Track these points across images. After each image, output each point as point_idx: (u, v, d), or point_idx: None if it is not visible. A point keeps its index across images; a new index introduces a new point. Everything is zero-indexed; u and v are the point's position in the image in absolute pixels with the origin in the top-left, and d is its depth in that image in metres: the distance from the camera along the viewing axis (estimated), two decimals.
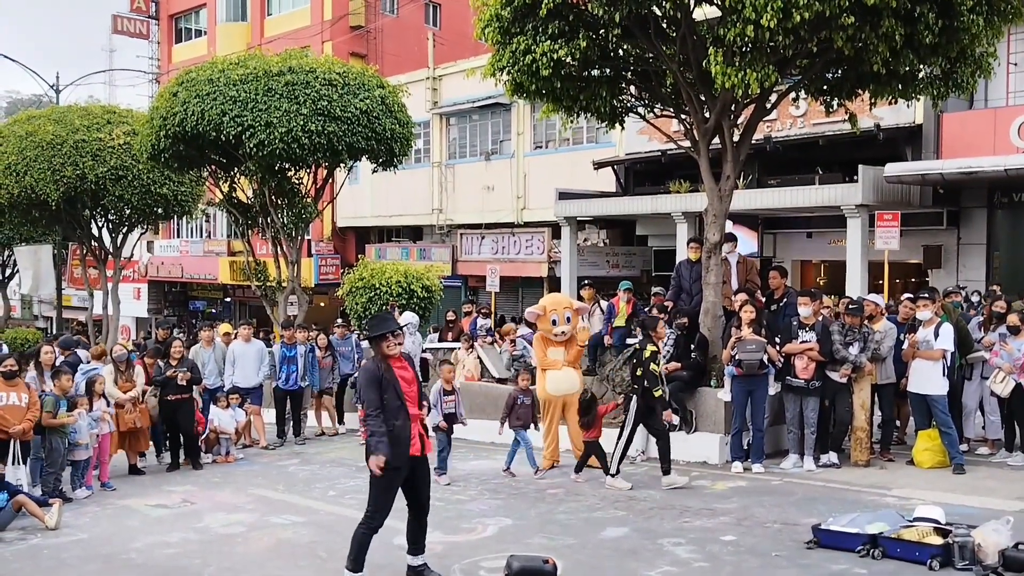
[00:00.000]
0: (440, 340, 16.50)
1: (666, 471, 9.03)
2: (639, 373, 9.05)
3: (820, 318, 9.82)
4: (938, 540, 6.33)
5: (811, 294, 10.24)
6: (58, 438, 9.71)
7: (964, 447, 9.99)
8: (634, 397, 9.11)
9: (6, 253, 31.48)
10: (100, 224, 22.78)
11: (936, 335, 9.42)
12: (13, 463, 9.14)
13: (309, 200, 17.78)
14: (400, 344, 6.26)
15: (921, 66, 10.10)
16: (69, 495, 9.81)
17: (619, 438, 9.17)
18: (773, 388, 10.10)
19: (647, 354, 9.01)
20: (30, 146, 19.72)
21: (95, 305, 23.88)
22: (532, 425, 10.30)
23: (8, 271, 32.94)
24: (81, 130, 20.03)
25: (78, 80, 34.98)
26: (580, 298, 13.08)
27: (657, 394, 8.91)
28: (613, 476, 9.19)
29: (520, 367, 13.11)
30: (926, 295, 9.80)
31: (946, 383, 9.46)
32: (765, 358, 9.67)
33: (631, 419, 9.13)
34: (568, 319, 10.37)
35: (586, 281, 13.92)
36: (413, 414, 6.22)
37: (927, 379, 9.44)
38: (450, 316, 17.14)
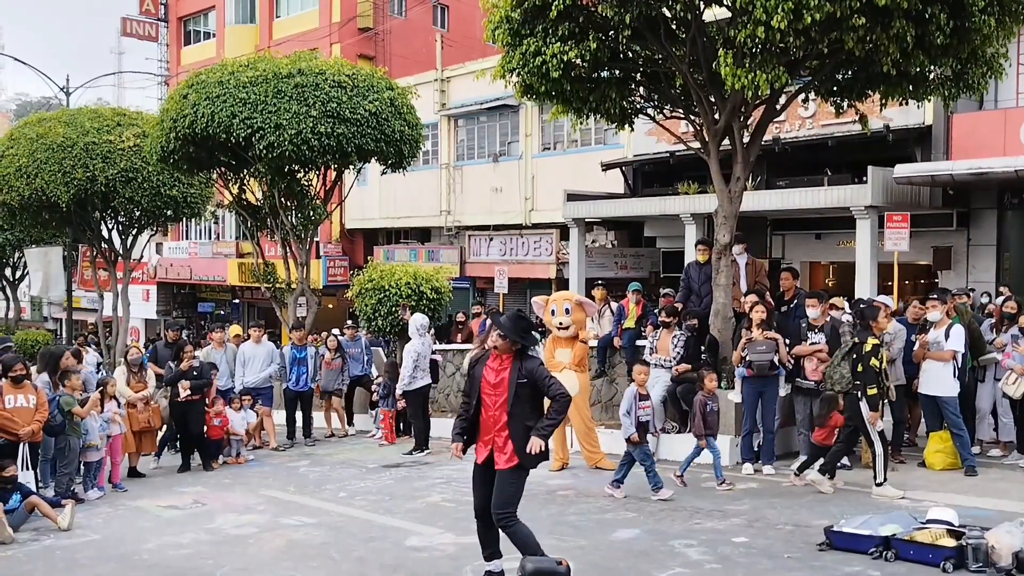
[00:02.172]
0: (450, 342, 16.52)
1: (832, 474, 8.60)
2: (860, 369, 8.43)
3: (828, 319, 9.82)
4: (951, 542, 6.31)
5: (819, 296, 10.23)
6: (75, 438, 9.78)
7: (976, 449, 9.96)
8: (859, 396, 8.44)
9: (16, 255, 31.60)
10: (110, 226, 22.86)
11: (947, 336, 9.39)
12: (23, 467, 9.18)
13: (318, 202, 17.81)
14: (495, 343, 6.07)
15: (932, 67, 10.09)
16: (81, 496, 9.85)
17: (871, 444, 8.53)
18: (783, 390, 10.09)
19: (868, 348, 8.38)
20: (41, 148, 19.81)
21: (105, 307, 23.96)
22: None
23: (18, 273, 33.07)
24: (91, 132, 20.12)
25: (88, 82, 35.07)
26: (592, 298, 13.09)
27: (871, 392, 8.32)
28: (881, 484, 8.43)
29: None
30: (936, 296, 9.78)
31: (957, 385, 9.43)
32: (776, 359, 9.66)
33: (867, 420, 8.40)
34: (568, 311, 10.24)
35: (598, 282, 13.90)
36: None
37: (938, 380, 9.41)
38: (460, 318, 17.16)
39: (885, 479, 8.44)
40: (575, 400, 10.13)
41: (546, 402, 6.05)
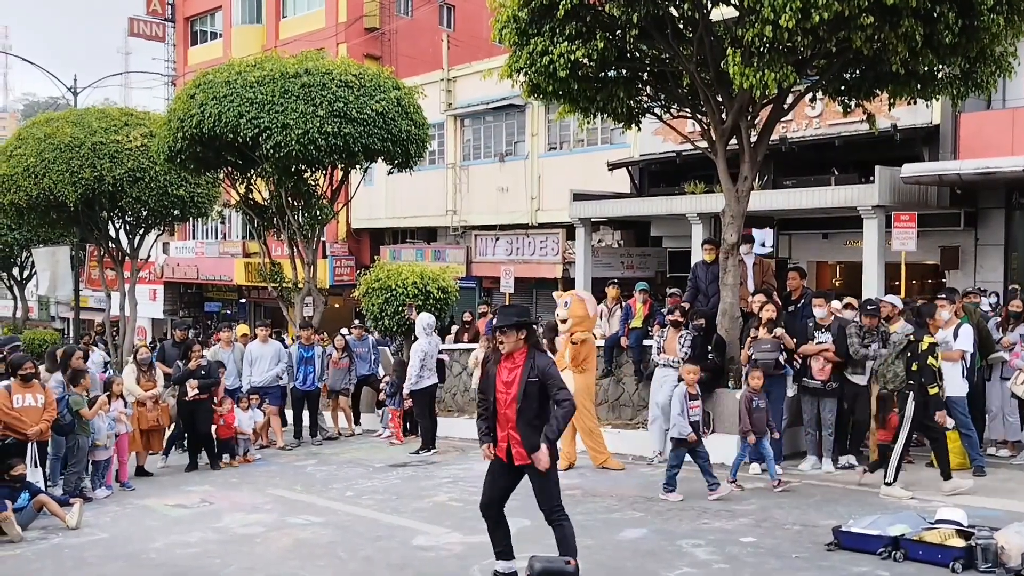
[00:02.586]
0: (456, 341, 16.52)
1: (946, 476, 8.38)
2: (915, 368, 8.28)
3: (834, 318, 9.80)
4: (960, 542, 6.30)
5: (825, 295, 10.21)
6: (83, 437, 9.81)
7: (992, 449, 9.94)
8: (910, 395, 8.31)
9: (24, 254, 31.68)
10: (117, 226, 22.92)
11: (955, 336, 9.37)
12: (32, 465, 9.20)
13: (325, 201, 17.84)
14: (503, 343, 6.03)
15: (940, 66, 10.05)
16: (89, 494, 9.88)
17: (895, 441, 8.45)
18: (791, 389, 10.07)
19: (924, 346, 8.24)
20: (49, 148, 19.85)
21: (112, 306, 24.01)
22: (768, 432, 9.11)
23: (26, 272, 33.15)
24: (99, 132, 20.15)
25: (95, 83, 35.04)
26: (605, 297, 13.11)
27: (932, 391, 8.19)
28: (890, 484, 8.37)
29: None
30: (945, 296, 9.76)
31: (965, 384, 9.40)
32: (781, 358, 9.64)
33: (907, 419, 8.32)
34: (567, 304, 10.32)
35: (613, 281, 13.85)
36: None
37: (946, 380, 9.37)
38: (467, 317, 17.16)
39: (895, 479, 8.39)
40: (577, 400, 10.12)
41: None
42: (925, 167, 15.05)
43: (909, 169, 14.80)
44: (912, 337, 8.51)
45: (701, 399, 9.04)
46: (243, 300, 34.97)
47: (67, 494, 9.36)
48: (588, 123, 12.23)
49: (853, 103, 11.56)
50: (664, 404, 10.59)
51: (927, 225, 15.72)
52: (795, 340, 9.81)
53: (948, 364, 9.36)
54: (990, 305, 13.14)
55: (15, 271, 32.94)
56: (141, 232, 23.08)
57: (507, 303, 5.84)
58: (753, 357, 9.62)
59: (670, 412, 10.68)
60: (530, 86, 10.95)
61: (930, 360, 8.22)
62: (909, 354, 8.46)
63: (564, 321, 10.29)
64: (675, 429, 8.77)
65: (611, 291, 13.07)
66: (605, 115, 11.84)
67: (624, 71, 11.14)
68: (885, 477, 8.45)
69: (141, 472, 11.47)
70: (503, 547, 6.14)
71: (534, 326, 6.17)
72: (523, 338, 5.99)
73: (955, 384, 9.32)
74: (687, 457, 8.78)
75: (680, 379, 9.21)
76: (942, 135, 16.26)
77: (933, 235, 16.52)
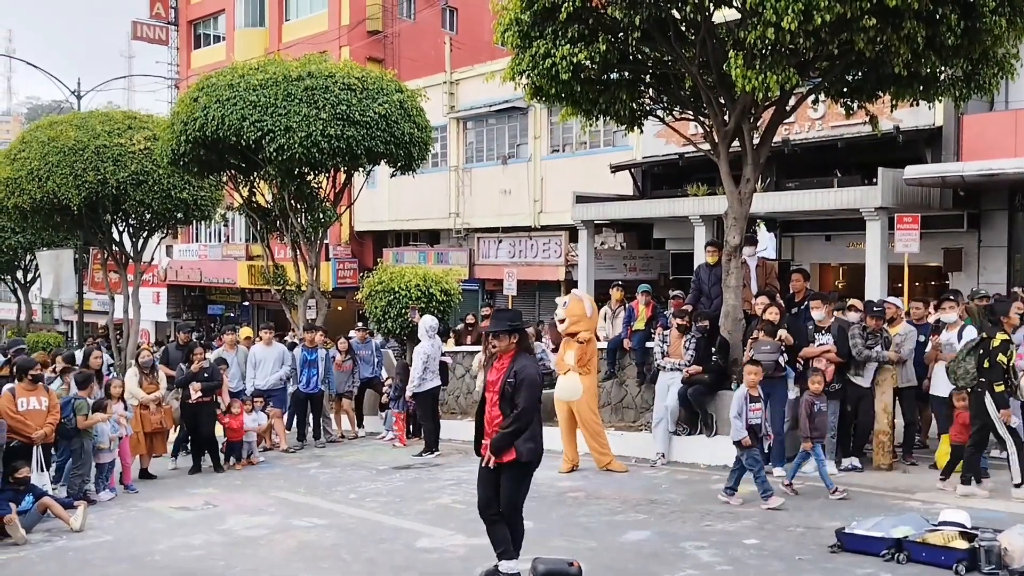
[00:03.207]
0: (458, 344, 16.53)
1: (1017, 483, 8.15)
2: (987, 365, 8.10)
3: (834, 319, 9.81)
4: (964, 544, 6.30)
5: (823, 297, 10.21)
6: (88, 440, 9.82)
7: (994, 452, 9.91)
8: (985, 393, 8.12)
9: (28, 258, 31.74)
10: (121, 229, 22.94)
11: (959, 338, 9.36)
12: (37, 468, 9.23)
13: (328, 204, 17.86)
14: (495, 347, 6.22)
15: (943, 68, 10.05)
16: (93, 497, 9.90)
17: (1001, 442, 8.28)
18: (792, 392, 10.06)
19: (996, 343, 8.06)
20: (52, 151, 19.90)
21: (115, 309, 24.05)
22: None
23: (30, 275, 33.21)
24: (102, 135, 20.19)
25: (99, 86, 35.13)
26: (608, 299, 13.11)
27: (998, 389, 8.00)
28: (1019, 486, 8.12)
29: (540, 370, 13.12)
30: (950, 297, 9.75)
31: None
32: (782, 360, 9.64)
33: (996, 419, 8.08)
34: (565, 304, 10.39)
35: (617, 283, 13.86)
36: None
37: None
38: (469, 320, 17.17)
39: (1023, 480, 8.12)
40: (580, 402, 10.11)
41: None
42: (928, 169, 15.05)
43: (912, 171, 14.79)
44: (986, 333, 8.34)
45: (763, 401, 8.75)
46: (246, 303, 35.00)
47: (71, 496, 9.38)
48: (590, 125, 12.25)
49: (856, 105, 11.56)
50: (672, 407, 10.61)
51: (930, 227, 15.71)
52: (798, 342, 9.80)
53: None
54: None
55: (19, 274, 32.99)
56: (144, 235, 23.11)
57: (499, 307, 6.00)
58: (754, 358, 9.60)
59: (680, 414, 10.74)
60: (533, 89, 10.97)
61: (1000, 357, 8.04)
62: (981, 351, 8.26)
63: (562, 321, 10.29)
64: (733, 432, 8.55)
65: (615, 293, 13.07)
66: (607, 117, 11.84)
67: (626, 74, 11.15)
68: (1013, 479, 8.16)
69: (145, 475, 11.49)
70: (504, 547, 6.15)
71: (526, 331, 6.35)
72: (515, 342, 6.16)
73: None
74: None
75: (741, 382, 8.95)
76: (945, 137, 16.26)
77: (936, 237, 16.50)
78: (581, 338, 10.28)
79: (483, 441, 6.21)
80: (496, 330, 6.17)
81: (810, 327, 9.84)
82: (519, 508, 6.19)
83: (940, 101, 12.26)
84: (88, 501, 9.49)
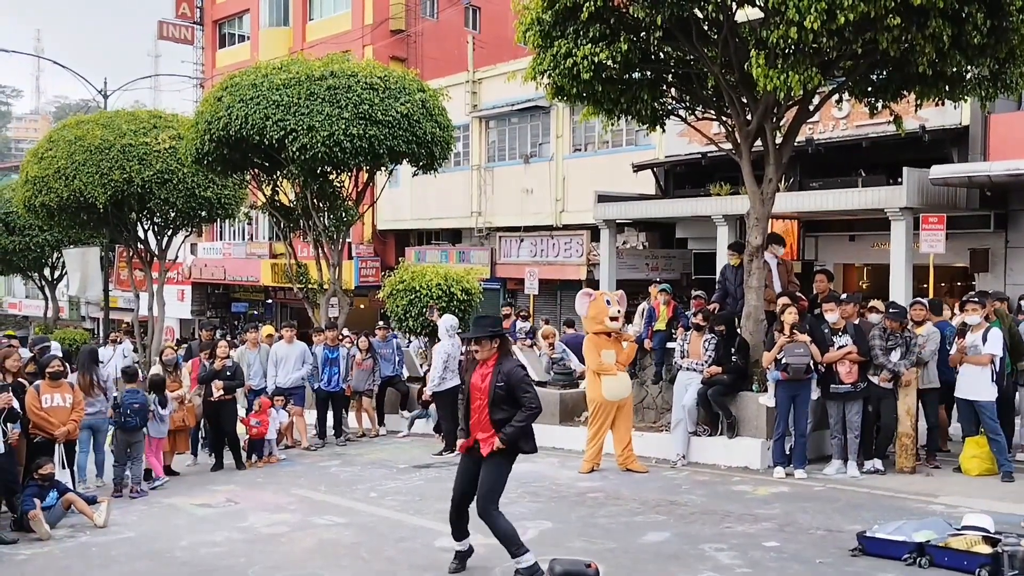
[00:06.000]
0: None
1: None
2: None
3: (847, 320, 9.75)
4: (987, 549, 6.22)
5: (836, 299, 10.14)
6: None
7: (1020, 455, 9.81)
8: None
9: (55, 255, 32.10)
10: (146, 227, 23.14)
11: (984, 340, 9.26)
12: (60, 465, 9.33)
13: (350, 203, 17.93)
14: (477, 352, 6.46)
15: (969, 67, 9.93)
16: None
17: None
18: (815, 393, 10.00)
19: None
20: (79, 150, 20.10)
21: (140, 306, 24.28)
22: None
23: (57, 273, 33.59)
24: (128, 134, 20.36)
25: (125, 85, 35.45)
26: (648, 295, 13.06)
27: None
28: None
29: (560, 370, 13.14)
30: (974, 299, 9.64)
31: (995, 389, 9.28)
32: (812, 362, 9.57)
33: None
34: (618, 301, 10.37)
35: (656, 281, 13.75)
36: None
37: (975, 384, 9.27)
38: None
39: None
40: (626, 402, 10.14)
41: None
42: (954, 168, 14.88)
43: (938, 170, 14.63)
44: None
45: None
46: (269, 301, 35.22)
47: (126, 486, 10.16)
48: (612, 125, 12.21)
49: (880, 104, 11.45)
50: (690, 407, 10.56)
51: (956, 227, 15.54)
52: (817, 344, 9.73)
53: (978, 368, 9.27)
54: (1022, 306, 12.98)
55: (46, 272, 33.35)
56: (169, 233, 23.30)
57: (479, 315, 6.27)
58: (784, 361, 9.54)
59: (700, 415, 10.71)
60: (554, 88, 10.95)
61: None
62: None
63: (615, 318, 10.26)
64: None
65: (654, 290, 13.02)
66: (629, 117, 11.81)
67: (648, 73, 11.11)
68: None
69: (167, 471, 11.59)
70: (515, 545, 6.28)
71: (506, 335, 6.63)
72: (496, 347, 6.40)
73: (985, 388, 9.23)
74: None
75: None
76: (971, 136, 16.07)
77: (962, 237, 16.33)
78: (625, 338, 10.34)
79: (477, 437, 6.37)
80: (478, 335, 6.44)
81: (827, 331, 9.78)
82: (496, 499, 6.31)
83: (966, 101, 12.12)
84: (139, 491, 10.16)
